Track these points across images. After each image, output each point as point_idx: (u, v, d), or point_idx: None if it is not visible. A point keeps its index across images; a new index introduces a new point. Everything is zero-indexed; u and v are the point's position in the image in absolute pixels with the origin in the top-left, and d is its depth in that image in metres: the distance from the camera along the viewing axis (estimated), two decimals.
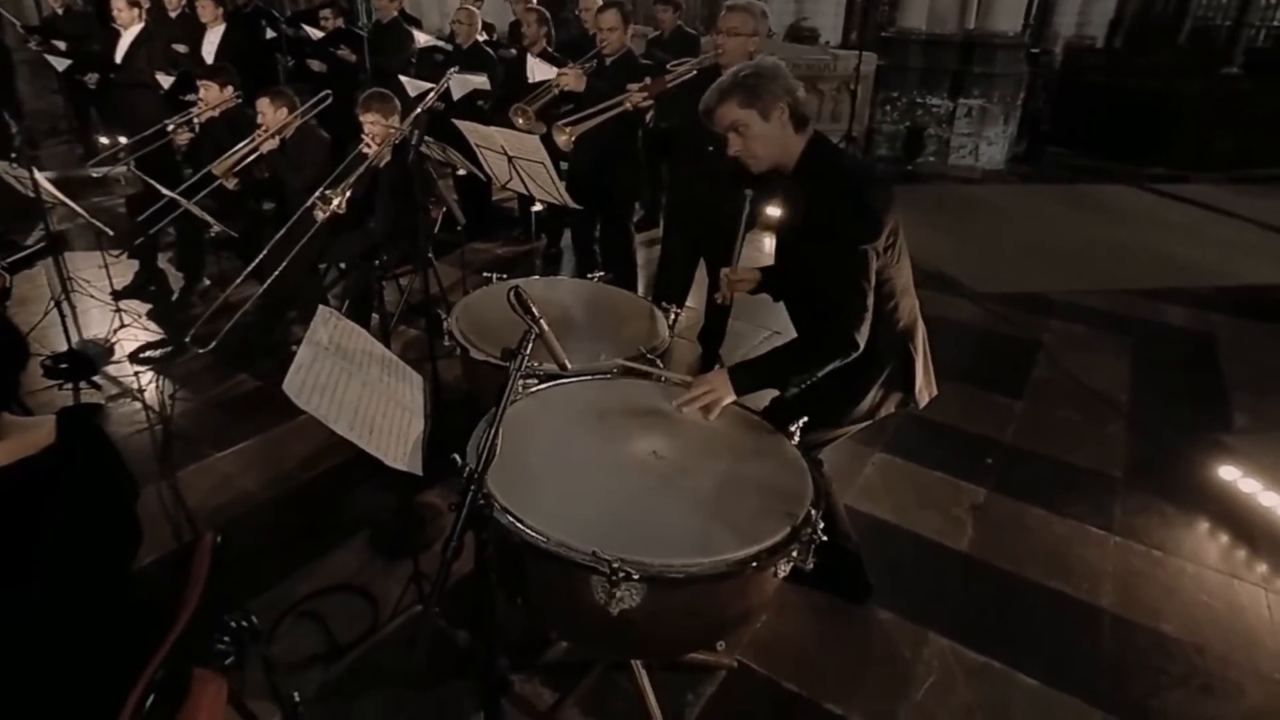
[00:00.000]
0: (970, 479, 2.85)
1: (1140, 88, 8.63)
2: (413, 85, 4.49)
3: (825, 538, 1.55)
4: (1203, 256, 5.52)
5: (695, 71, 3.08)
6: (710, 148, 3.04)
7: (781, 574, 1.55)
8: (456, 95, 4.55)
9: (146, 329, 3.79)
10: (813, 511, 1.57)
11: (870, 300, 1.74)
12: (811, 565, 1.56)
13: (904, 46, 8.15)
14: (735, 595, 1.55)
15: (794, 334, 1.97)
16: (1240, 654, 2.13)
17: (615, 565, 1.35)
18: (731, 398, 1.81)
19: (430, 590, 2.13)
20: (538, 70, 4.05)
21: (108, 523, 1.18)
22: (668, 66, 3.26)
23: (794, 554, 1.52)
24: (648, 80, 3.17)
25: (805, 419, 1.80)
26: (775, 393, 1.96)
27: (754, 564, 1.46)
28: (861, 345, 1.75)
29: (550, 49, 4.62)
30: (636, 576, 1.36)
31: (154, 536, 2.34)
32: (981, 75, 7.87)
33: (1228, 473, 2.96)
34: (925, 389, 1.99)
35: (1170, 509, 2.73)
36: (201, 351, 3.19)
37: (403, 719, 1.85)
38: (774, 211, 2.31)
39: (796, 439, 1.79)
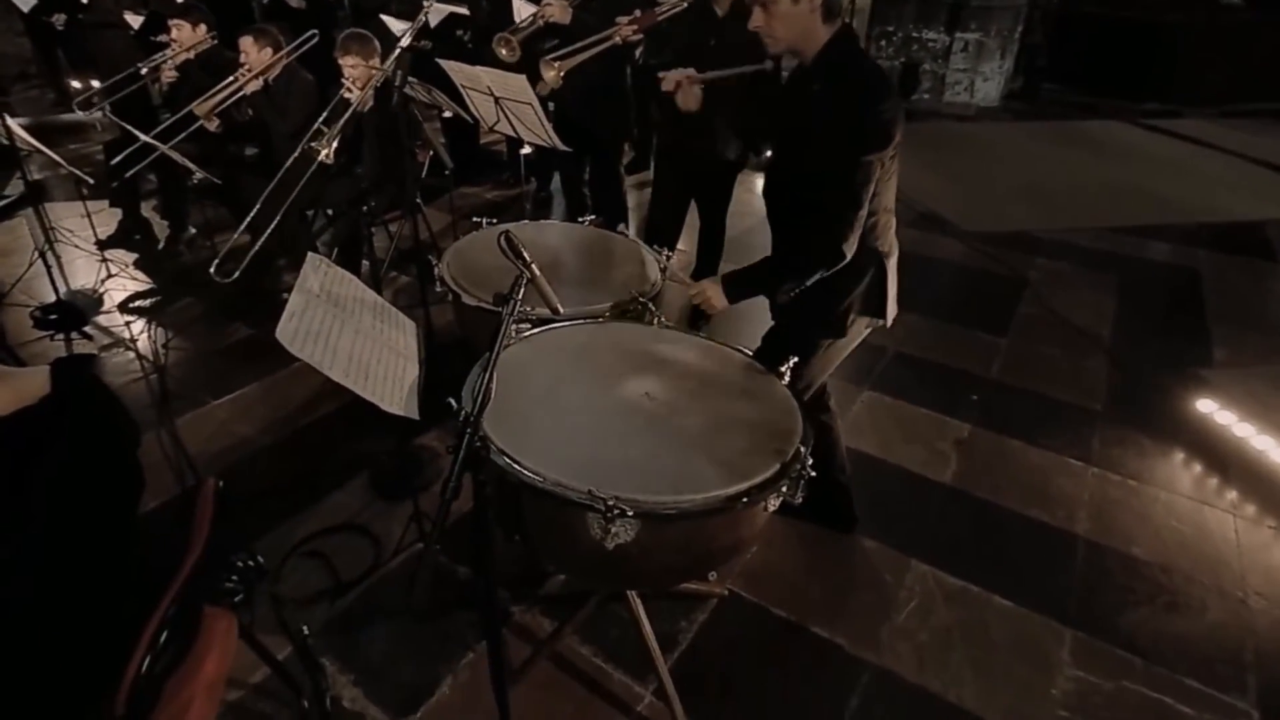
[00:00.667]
0: (955, 414, 2.92)
1: (1139, 20, 8.43)
2: (395, 24, 4.34)
3: (814, 473, 1.60)
4: (1189, 192, 5.53)
5: (686, 3, 2.99)
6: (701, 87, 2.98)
7: (771, 508, 1.60)
8: (433, 22, 4.38)
9: (135, 278, 3.76)
10: (802, 449, 1.62)
11: (864, 212, 1.74)
12: (800, 500, 1.61)
13: None
14: (726, 529, 1.60)
15: None
16: (1205, 574, 2.25)
17: (610, 503, 1.39)
18: (723, 303, 1.89)
19: (431, 528, 2.21)
20: (522, 10, 3.91)
21: (107, 469, 1.19)
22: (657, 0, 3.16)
23: (783, 489, 1.57)
24: (637, 13, 3.08)
25: (795, 359, 1.83)
26: (767, 331, 1.99)
27: (744, 500, 1.50)
28: (849, 255, 1.76)
29: None
30: (631, 513, 1.41)
31: (156, 483, 2.38)
32: (979, 8, 7.67)
33: (1205, 405, 3.05)
34: (893, 309, 1.99)
35: (1147, 441, 2.82)
36: (225, 280, 3.11)
37: (408, 649, 1.93)
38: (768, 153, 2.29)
39: (787, 379, 1.83)
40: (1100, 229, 4.79)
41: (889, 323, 2.00)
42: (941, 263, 4.27)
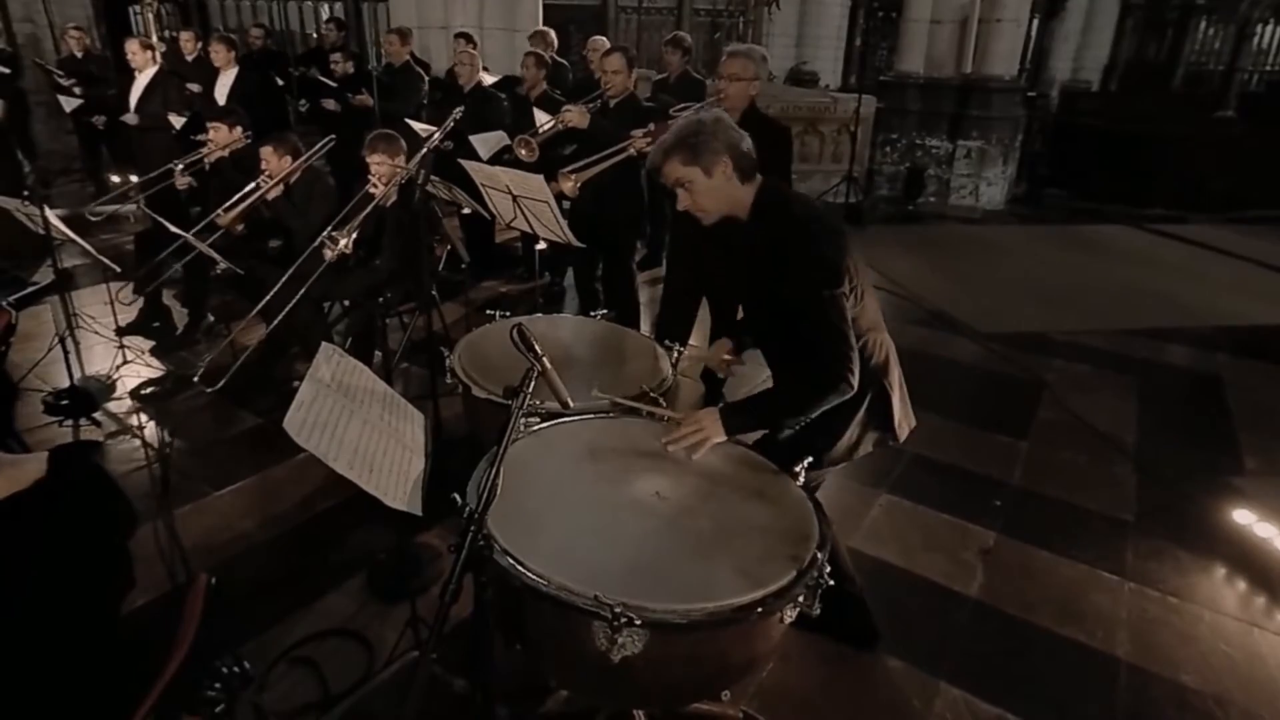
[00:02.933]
0: (978, 521, 2.80)
1: (1136, 131, 8.77)
2: (422, 129, 4.56)
3: (832, 582, 1.51)
4: (1203, 296, 5.54)
5: None
6: None
7: (788, 619, 1.51)
8: (485, 156, 4.57)
9: (149, 365, 3.79)
10: (819, 554, 1.54)
11: (853, 339, 1.75)
12: (818, 611, 1.52)
13: (902, 90, 8.33)
14: (740, 642, 1.51)
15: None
16: (1264, 707, 2.06)
17: (617, 610, 1.31)
18: (721, 437, 1.79)
19: (428, 636, 2.09)
20: (541, 117, 4.11)
21: (92, 561, 1.16)
22: (670, 112, 3.31)
23: (800, 599, 1.48)
24: (651, 126, 3.22)
25: (810, 459, 1.77)
26: (763, 432, 1.94)
27: (759, 609, 1.42)
28: (855, 385, 1.75)
29: (551, 91, 4.71)
30: (639, 622, 1.33)
31: (148, 576, 2.29)
32: (979, 118, 8.01)
33: (1242, 516, 2.91)
34: (904, 422, 1.98)
35: (1184, 554, 2.68)
36: (209, 390, 3.18)
37: None
38: None
39: (801, 479, 1.77)
40: (1115, 331, 4.78)
41: (900, 439, 1.96)
42: (956, 363, 4.24)
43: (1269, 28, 11.88)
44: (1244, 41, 11.13)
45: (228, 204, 3.54)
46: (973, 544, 2.68)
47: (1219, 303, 5.41)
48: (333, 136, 3.75)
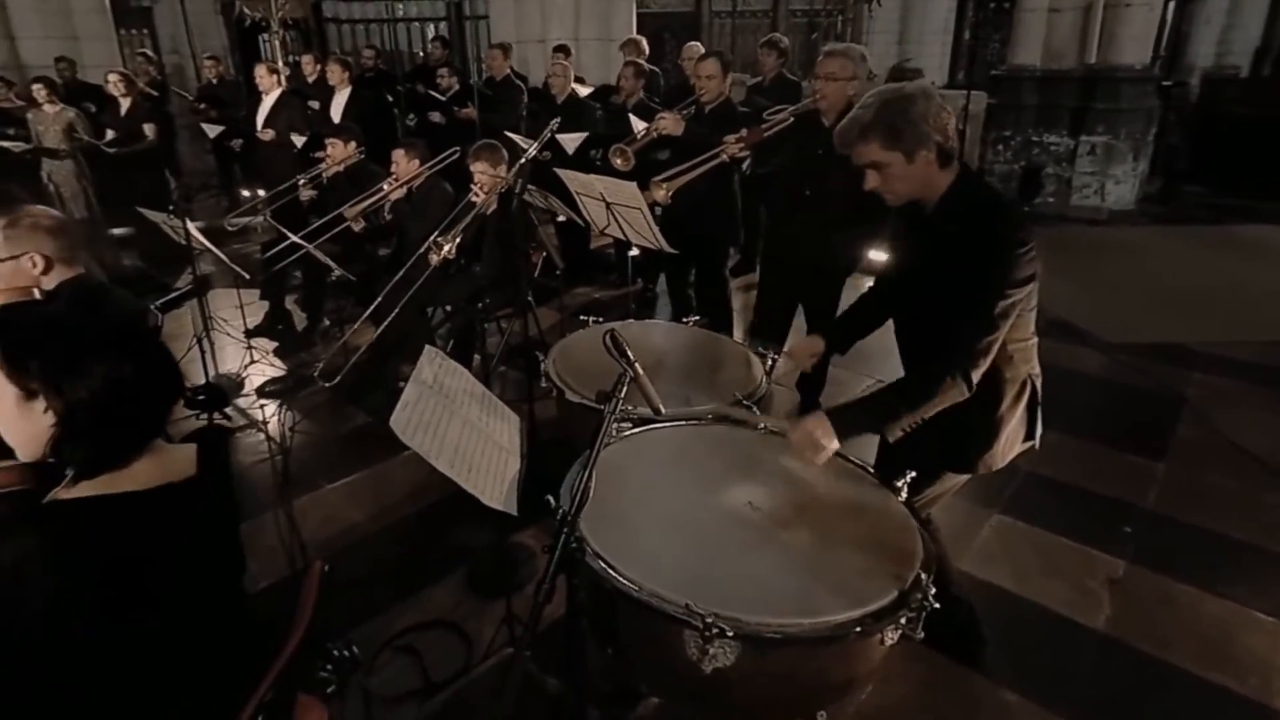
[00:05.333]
0: (1105, 547, 2.57)
1: None
2: (521, 140, 4.70)
3: (937, 605, 1.42)
4: None
5: (792, 118, 3.05)
6: (807, 191, 2.99)
7: (889, 641, 1.43)
8: (570, 151, 4.71)
9: (273, 364, 4.08)
10: (923, 575, 1.45)
11: (995, 348, 1.62)
12: (922, 635, 1.43)
13: (1017, 84, 7.83)
14: (837, 661, 1.44)
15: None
16: None
17: (709, 620, 1.29)
18: (835, 444, 1.66)
19: (522, 633, 2.13)
20: (638, 125, 4.15)
21: (226, 547, 1.25)
22: (764, 116, 3.25)
23: (903, 621, 1.40)
24: (744, 131, 3.17)
25: (914, 474, 1.67)
26: (879, 440, 1.83)
27: (857, 629, 1.36)
28: (973, 388, 1.61)
29: (649, 99, 4.73)
30: (731, 634, 1.30)
31: (271, 563, 2.47)
32: (1105, 111, 7.40)
33: None
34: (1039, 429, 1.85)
35: None
36: (326, 386, 3.39)
37: None
38: (878, 256, 2.21)
39: (904, 495, 1.67)
40: (1264, 342, 4.29)
41: (1039, 443, 1.84)
42: (1081, 376, 3.93)
43: None
44: None
45: (354, 200, 3.78)
46: (1099, 572, 2.46)
47: None
48: (457, 149, 3.93)
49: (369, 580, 2.44)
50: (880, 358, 2.31)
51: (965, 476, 1.87)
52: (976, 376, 1.61)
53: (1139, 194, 7.77)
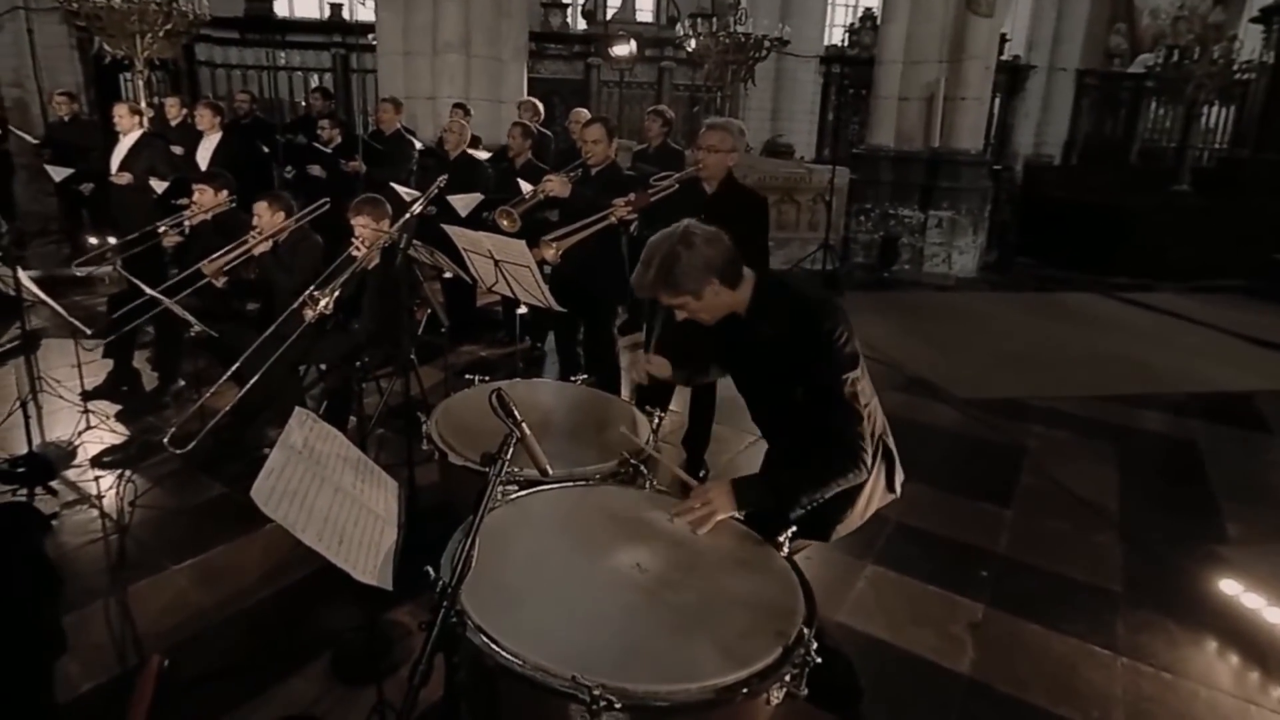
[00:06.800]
0: (965, 593, 2.74)
1: (1097, 202, 9.16)
2: (406, 193, 4.62)
3: (819, 659, 1.45)
4: (1172, 363, 5.66)
5: (677, 185, 3.20)
6: None
7: (774, 701, 1.44)
8: (463, 213, 4.67)
9: (113, 430, 3.67)
10: (805, 630, 1.48)
11: (866, 424, 1.78)
12: (805, 692, 1.45)
13: (875, 162, 8.66)
14: None
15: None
16: None
17: (596, 693, 1.25)
18: (731, 511, 1.74)
19: None
20: (525, 187, 4.21)
21: (26, 626, 1.09)
22: (650, 181, 3.38)
23: (787, 679, 1.42)
24: (632, 195, 3.28)
25: (794, 529, 1.73)
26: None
27: (744, 690, 1.35)
28: (870, 469, 1.79)
29: (535, 161, 4.82)
30: (619, 705, 1.26)
31: (97, 659, 2.17)
32: (949, 189, 8.32)
33: (1229, 587, 2.89)
34: (899, 475, 2.01)
35: (1175, 626, 2.63)
36: (178, 453, 3.06)
37: None
38: None
39: (786, 550, 1.72)
40: (1090, 397, 4.84)
41: (899, 491, 1.98)
42: (937, 430, 4.25)
43: (1214, 109, 12.58)
44: (1193, 121, 11.80)
45: (214, 255, 3.53)
46: (961, 617, 2.62)
47: (1188, 368, 5.53)
48: (326, 200, 3.79)
49: (217, 674, 2.19)
50: None
51: (801, 545, 1.94)
52: (867, 458, 1.78)
53: (979, 263, 8.70)
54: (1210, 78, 11.15)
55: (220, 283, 3.56)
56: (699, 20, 10.23)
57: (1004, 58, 11.30)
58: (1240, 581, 2.90)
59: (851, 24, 14.64)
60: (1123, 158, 13.47)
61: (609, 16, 13.39)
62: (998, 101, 12.05)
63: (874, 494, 1.94)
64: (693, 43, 9.97)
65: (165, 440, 3.09)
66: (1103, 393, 4.93)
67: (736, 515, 1.77)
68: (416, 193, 3.59)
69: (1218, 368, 5.58)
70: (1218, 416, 4.62)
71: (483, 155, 5.58)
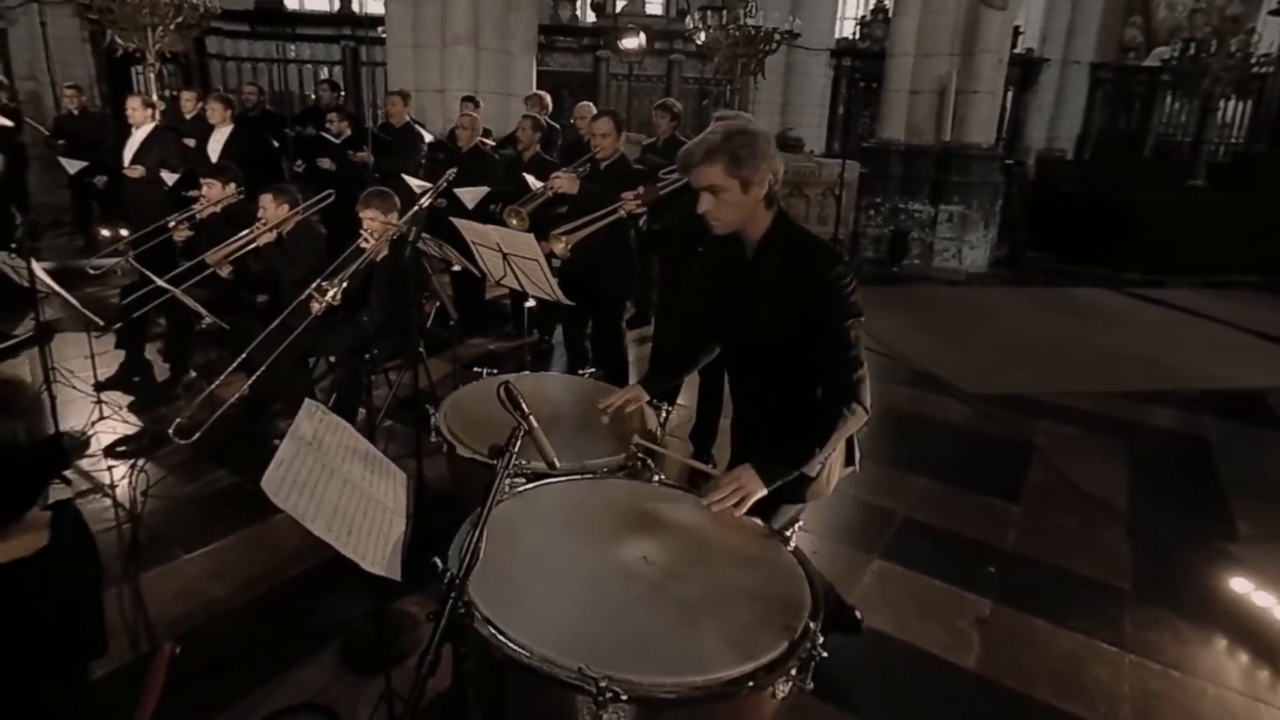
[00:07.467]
0: (972, 588, 2.74)
1: (1110, 197, 9.06)
2: (416, 185, 4.63)
3: (825, 654, 1.45)
4: (1184, 359, 5.61)
5: (685, 178, 3.18)
6: (700, 248, 3.11)
7: (780, 694, 1.45)
8: (470, 206, 4.67)
9: (126, 421, 3.71)
10: (811, 624, 1.49)
11: (866, 369, 1.76)
12: (811, 686, 1.45)
13: (885, 155, 8.59)
14: (731, 718, 1.43)
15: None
16: None
17: (602, 684, 1.25)
18: (762, 491, 1.74)
19: (402, 711, 1.99)
20: (534, 183, 4.21)
21: (79, 626, 1.12)
22: (659, 175, 3.37)
23: (793, 672, 1.42)
24: (641, 189, 3.28)
25: (800, 523, 1.74)
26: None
27: (750, 683, 1.36)
28: (869, 409, 1.76)
29: (544, 154, 4.81)
30: (625, 697, 1.27)
31: (111, 647, 2.18)
32: (959, 183, 8.24)
33: (1239, 585, 2.87)
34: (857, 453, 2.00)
35: (1183, 623, 2.62)
36: (184, 443, 3.08)
37: None
38: None
39: (793, 544, 1.72)
40: (1100, 393, 4.80)
41: (859, 467, 1.99)
42: (945, 425, 4.23)
43: (1231, 103, 12.43)
44: (1208, 115, 11.65)
45: (219, 246, 3.55)
46: (968, 612, 2.61)
47: (1200, 365, 5.48)
48: (331, 192, 3.81)
49: (228, 662, 2.21)
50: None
51: (800, 506, 1.96)
52: (867, 400, 1.75)
53: (990, 258, 8.63)
54: (1227, 71, 11.00)
55: (225, 272, 3.59)
56: (709, 13, 10.16)
57: (1017, 50, 11.18)
58: (1250, 579, 2.88)
59: (863, 17, 14.52)
60: (1137, 152, 13.32)
61: (618, 9, 13.33)
62: (1010, 95, 11.93)
63: (833, 468, 1.93)
64: (702, 35, 9.92)
65: (170, 430, 3.10)
66: (1113, 389, 4.89)
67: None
68: (427, 185, 3.59)
69: (1230, 364, 5.53)
70: (1229, 413, 4.58)
71: (489, 144, 5.58)
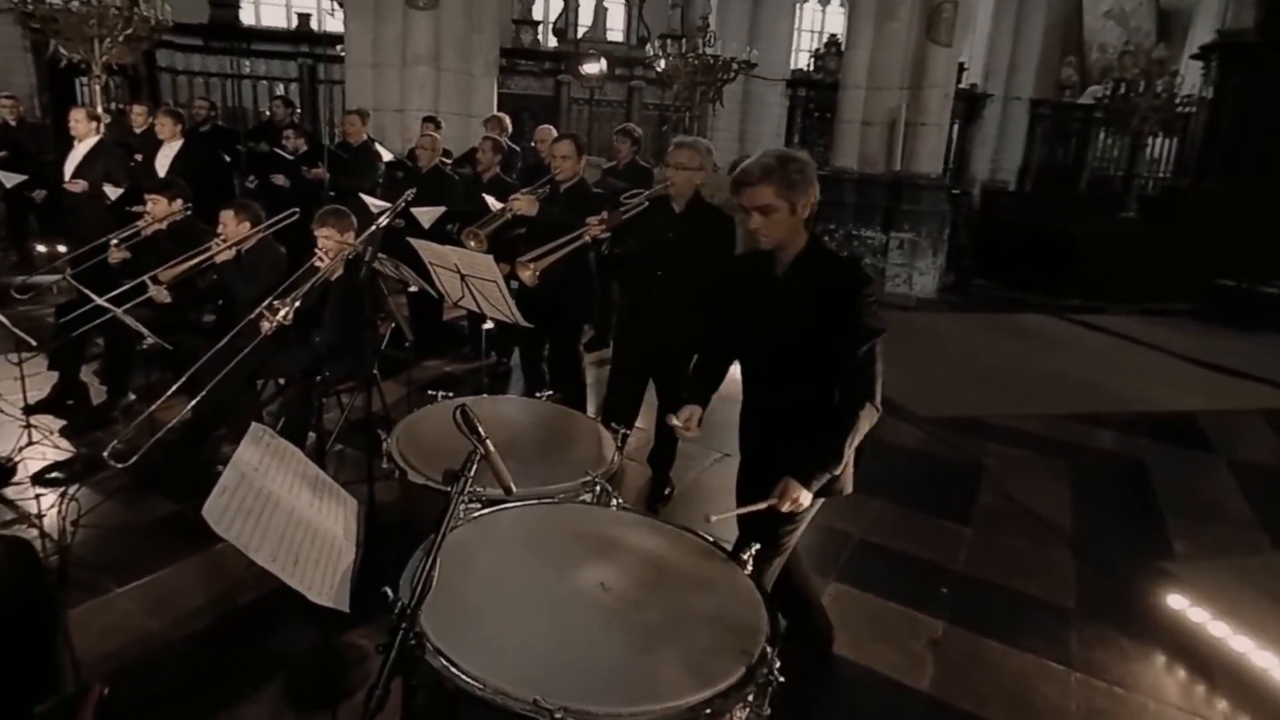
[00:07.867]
0: (926, 610, 2.78)
1: (1050, 228, 9.47)
2: (374, 204, 4.57)
3: (782, 679, 1.45)
4: (1122, 383, 5.85)
5: (647, 202, 3.22)
6: (659, 272, 3.14)
7: None
8: (426, 226, 4.63)
9: (57, 446, 3.52)
10: (768, 649, 1.48)
11: (881, 375, 1.92)
12: (769, 713, 1.45)
13: (838, 184, 8.82)
14: None
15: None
16: None
17: (558, 716, 1.23)
18: (808, 498, 1.88)
19: None
20: (491, 204, 4.20)
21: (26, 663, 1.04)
22: (621, 199, 3.40)
23: (750, 698, 1.42)
24: (605, 214, 3.30)
25: (757, 546, 1.74)
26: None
27: (707, 710, 1.34)
28: (879, 407, 1.92)
29: (504, 176, 4.81)
30: None
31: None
32: (910, 212, 8.53)
33: (1176, 601, 2.97)
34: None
35: (1126, 641, 2.69)
36: (120, 468, 2.93)
37: None
38: None
39: (749, 568, 1.72)
40: (1045, 416, 4.97)
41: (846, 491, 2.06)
42: (899, 448, 4.31)
43: (1158, 140, 13.15)
44: (1138, 151, 12.31)
45: (173, 261, 3.43)
46: (922, 634, 2.65)
47: (1137, 389, 5.71)
48: (295, 210, 3.72)
49: (163, 701, 2.09)
50: (723, 432, 2.41)
51: (819, 504, 2.02)
52: (878, 399, 1.93)
53: (939, 285, 8.91)
54: (1154, 110, 11.67)
55: (162, 298, 3.46)
56: (669, 41, 10.37)
57: (962, 85, 11.67)
58: (1186, 596, 2.99)
59: (817, 49, 14.99)
60: (1074, 185, 13.97)
61: (580, 35, 13.47)
62: (956, 128, 12.40)
63: (848, 465, 2.02)
64: (662, 63, 10.10)
65: (105, 454, 2.94)
66: (1058, 411, 5.07)
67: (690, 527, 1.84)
68: (385, 204, 3.55)
69: (1164, 388, 5.78)
70: (1163, 436, 4.78)
71: (448, 163, 5.56)
